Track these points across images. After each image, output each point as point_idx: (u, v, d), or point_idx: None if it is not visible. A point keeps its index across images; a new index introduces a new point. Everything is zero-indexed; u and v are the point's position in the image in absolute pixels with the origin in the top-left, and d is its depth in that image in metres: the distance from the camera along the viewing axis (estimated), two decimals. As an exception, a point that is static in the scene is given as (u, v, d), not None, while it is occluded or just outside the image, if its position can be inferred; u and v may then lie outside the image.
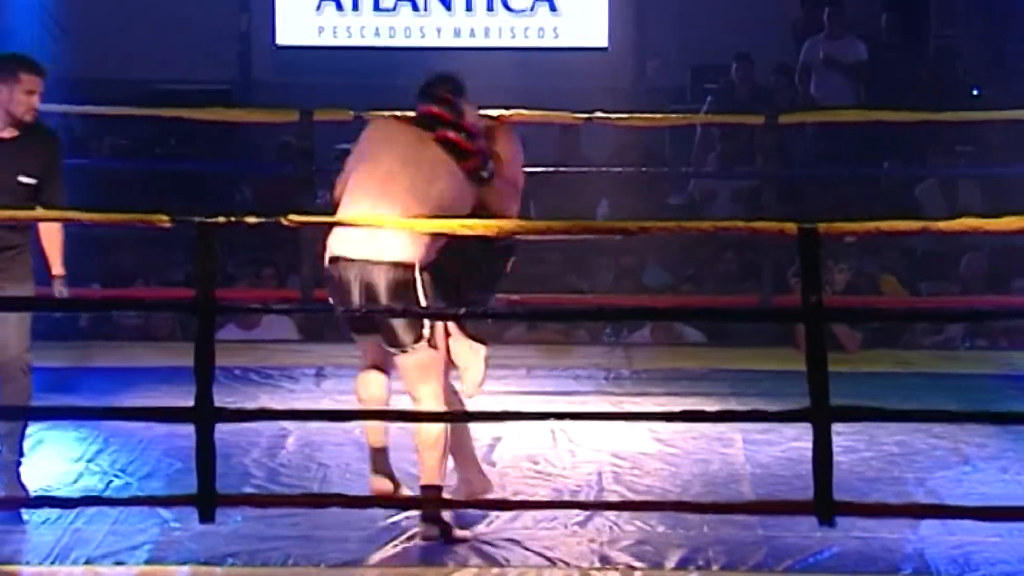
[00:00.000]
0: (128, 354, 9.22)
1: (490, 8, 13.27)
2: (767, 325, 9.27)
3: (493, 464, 6.65)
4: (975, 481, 6.60)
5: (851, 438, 6.96)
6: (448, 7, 13.30)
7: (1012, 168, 10.48)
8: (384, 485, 5.83)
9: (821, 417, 4.96)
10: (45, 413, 6.58)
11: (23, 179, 6.10)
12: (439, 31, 13.19)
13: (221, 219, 5.21)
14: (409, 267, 5.60)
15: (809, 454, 5.00)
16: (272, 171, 11.28)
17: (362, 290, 5.60)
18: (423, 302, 5.59)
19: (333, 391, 7.82)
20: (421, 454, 5.73)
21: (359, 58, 12.94)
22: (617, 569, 5.51)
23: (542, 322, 9.55)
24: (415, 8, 13.31)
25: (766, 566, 5.52)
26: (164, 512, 5.87)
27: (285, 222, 5.49)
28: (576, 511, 6.03)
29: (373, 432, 5.85)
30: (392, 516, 5.90)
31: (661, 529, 5.85)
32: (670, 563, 5.55)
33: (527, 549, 5.67)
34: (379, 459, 5.87)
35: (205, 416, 5.08)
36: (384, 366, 5.85)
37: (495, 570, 5.52)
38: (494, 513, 5.98)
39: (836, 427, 4.99)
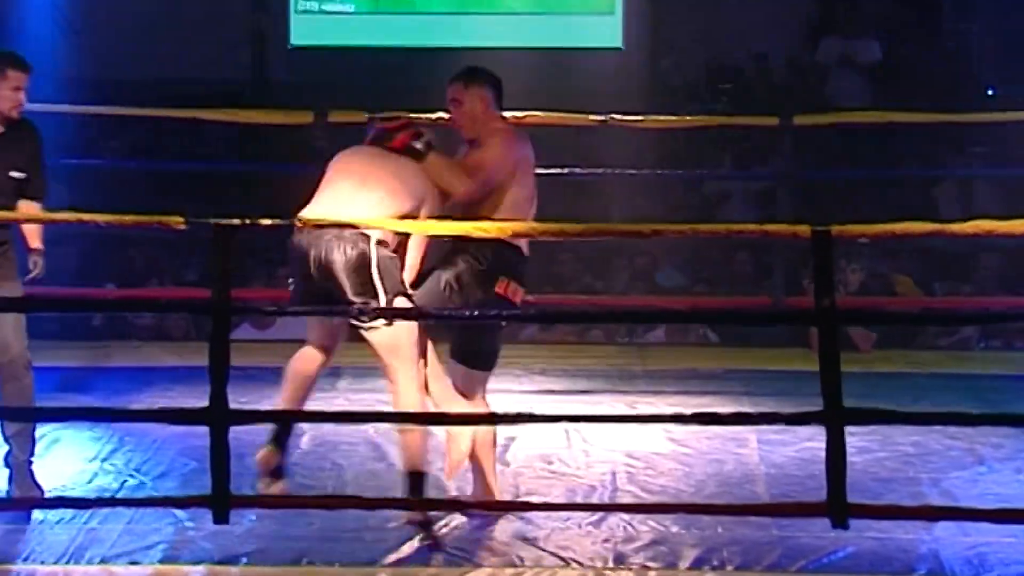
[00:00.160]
0: (143, 354, 9.24)
1: (504, 8, 13.27)
2: (782, 325, 9.26)
3: (507, 464, 6.66)
4: (990, 482, 6.59)
5: (865, 438, 6.96)
6: (463, 8, 13.30)
7: (1027, 169, 10.49)
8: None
9: (835, 419, 4.96)
10: (60, 413, 6.60)
11: (13, 174, 6.14)
12: (454, 32, 13.19)
13: (236, 221, 5.22)
14: (366, 239, 5.62)
15: (823, 454, 4.99)
16: (287, 172, 11.29)
17: (318, 261, 5.62)
18: (376, 279, 5.60)
19: (347, 391, 7.83)
20: (400, 435, 5.74)
21: (373, 59, 12.94)
22: (631, 569, 5.51)
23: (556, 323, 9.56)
24: (430, 9, 13.31)
25: (780, 566, 5.52)
26: (178, 512, 5.88)
27: (300, 224, 5.51)
28: (590, 511, 6.03)
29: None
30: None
31: (675, 529, 5.84)
32: (684, 563, 5.54)
33: (541, 549, 5.67)
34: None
35: (220, 417, 5.09)
36: (327, 346, 5.86)
37: (509, 570, 5.52)
38: (509, 513, 5.99)
39: (850, 427, 4.99)
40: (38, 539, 5.66)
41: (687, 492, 6.45)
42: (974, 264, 10.61)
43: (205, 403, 5.08)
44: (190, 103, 10.29)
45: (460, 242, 5.86)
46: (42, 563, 5.45)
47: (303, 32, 13.34)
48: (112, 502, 6.03)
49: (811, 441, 6.73)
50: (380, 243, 5.65)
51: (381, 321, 5.61)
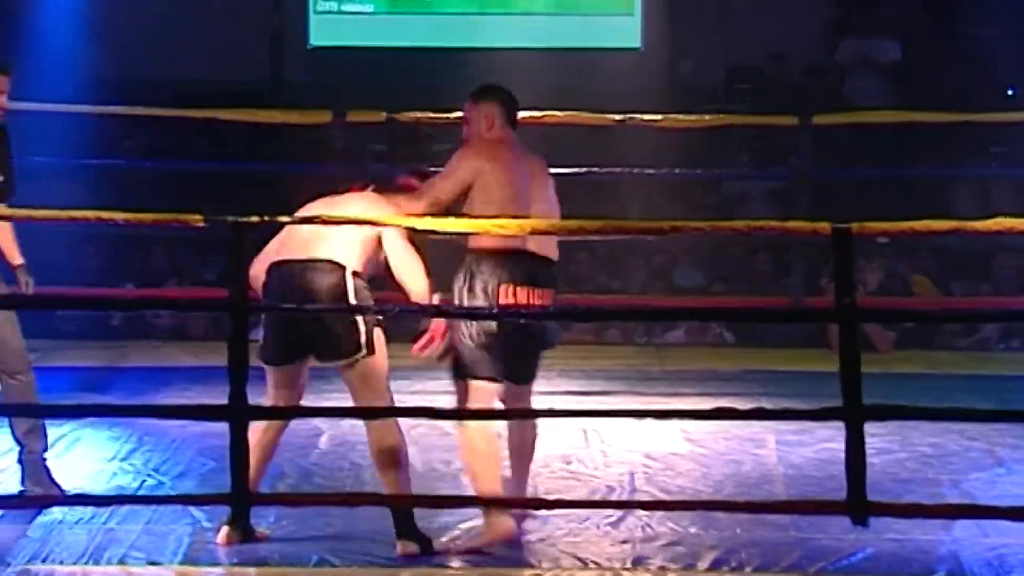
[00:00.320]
0: (162, 353, 9.27)
1: (523, 9, 13.27)
2: (800, 325, 9.25)
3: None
4: (1009, 482, 6.57)
5: (885, 439, 6.95)
6: (482, 8, 13.30)
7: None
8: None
9: (854, 417, 4.95)
10: (80, 412, 6.62)
11: None
12: (473, 32, 13.19)
13: (254, 219, 5.22)
14: (341, 268, 5.57)
15: (842, 455, 4.98)
16: (306, 172, 11.30)
17: (303, 295, 5.54)
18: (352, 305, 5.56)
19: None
20: (381, 473, 5.65)
21: (392, 59, 12.95)
22: (649, 570, 5.50)
23: (574, 322, 9.54)
24: (449, 9, 13.32)
25: (799, 567, 5.50)
26: (197, 511, 5.88)
27: (318, 222, 5.51)
28: (608, 511, 6.03)
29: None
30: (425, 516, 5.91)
31: (694, 530, 5.84)
32: (703, 564, 5.53)
33: (559, 549, 5.66)
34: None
35: (239, 415, 5.09)
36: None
37: (527, 571, 5.52)
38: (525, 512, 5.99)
39: (869, 428, 4.98)
40: (57, 539, 5.66)
41: (705, 492, 6.44)
42: (991, 264, 10.58)
43: (224, 402, 5.07)
44: (209, 103, 10.31)
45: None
46: (61, 563, 5.45)
47: (322, 32, 13.35)
48: (131, 501, 6.04)
49: (830, 442, 6.73)
50: (355, 274, 5.62)
51: (362, 352, 5.58)
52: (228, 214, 5.15)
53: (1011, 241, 10.05)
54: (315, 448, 6.91)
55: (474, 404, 5.75)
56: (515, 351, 5.85)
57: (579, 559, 5.58)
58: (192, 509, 5.89)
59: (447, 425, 6.79)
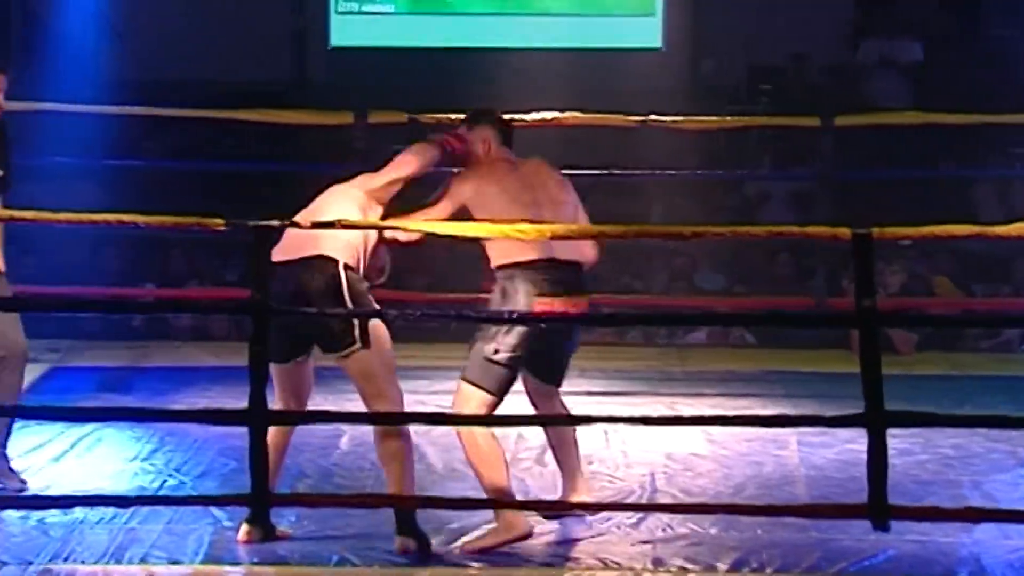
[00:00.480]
0: (183, 353, 9.28)
1: (544, 9, 13.27)
2: (821, 328, 9.24)
3: (545, 465, 6.65)
4: (1032, 485, 6.56)
5: (906, 441, 6.93)
6: (503, 9, 13.31)
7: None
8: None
9: (876, 422, 4.94)
10: (101, 413, 6.64)
11: None
12: (494, 33, 13.19)
13: (275, 222, 5.23)
14: (334, 262, 5.59)
15: (864, 456, 4.97)
16: (327, 173, 11.31)
17: (297, 294, 5.55)
18: (348, 301, 5.56)
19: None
20: (384, 467, 5.66)
21: (413, 59, 12.96)
22: (670, 571, 5.49)
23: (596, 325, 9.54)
24: (470, 9, 13.32)
25: (820, 569, 5.49)
26: (217, 512, 5.89)
27: (339, 225, 5.51)
28: (629, 512, 6.02)
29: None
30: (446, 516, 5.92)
31: (714, 531, 5.83)
32: (723, 565, 5.53)
33: (580, 550, 5.67)
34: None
35: (259, 417, 5.10)
36: (297, 405, 5.80)
37: (547, 571, 5.52)
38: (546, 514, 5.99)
39: (891, 430, 4.97)
40: (78, 538, 5.68)
41: (726, 494, 6.44)
42: (1013, 266, 10.56)
43: (244, 404, 5.08)
44: (230, 104, 10.33)
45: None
46: (82, 562, 5.46)
47: (343, 33, 13.37)
48: (152, 501, 6.05)
49: (851, 443, 6.71)
50: (347, 267, 5.62)
51: (357, 345, 5.58)
52: (249, 215, 5.16)
53: (1031, 243, 10.03)
54: (336, 448, 6.91)
55: (465, 409, 5.75)
56: (545, 353, 5.86)
57: (599, 559, 5.58)
58: (213, 509, 5.90)
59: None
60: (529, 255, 5.76)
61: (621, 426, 7.11)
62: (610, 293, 9.84)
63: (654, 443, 7.04)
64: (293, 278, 5.56)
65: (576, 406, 6.56)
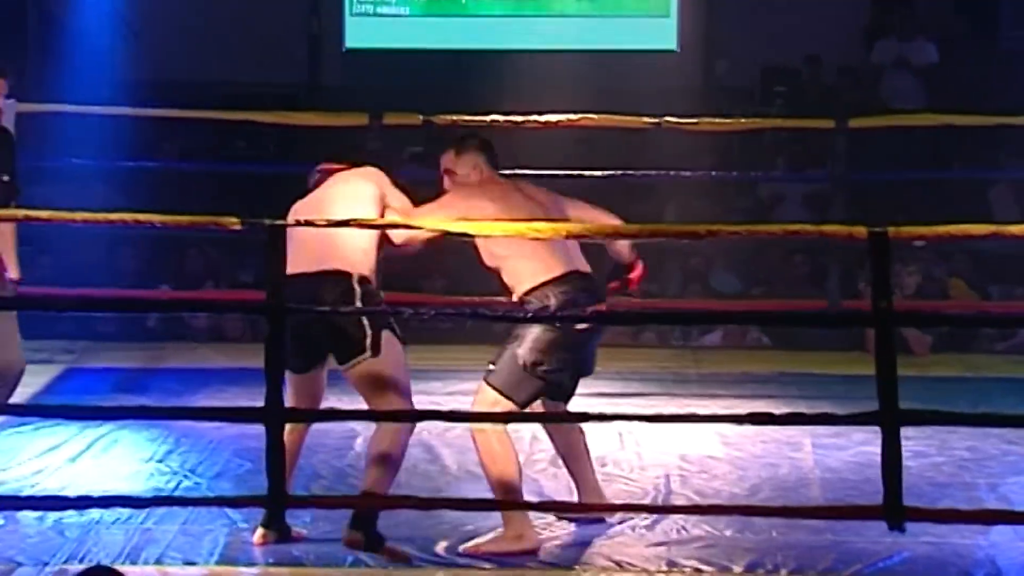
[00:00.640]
0: (199, 354, 9.29)
1: (559, 11, 13.26)
2: (837, 329, 9.22)
3: (560, 467, 6.62)
4: (1047, 487, 6.55)
5: (922, 443, 6.92)
6: (518, 11, 13.30)
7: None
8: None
9: (891, 421, 4.94)
10: (117, 413, 6.64)
11: (3, 177, 6.20)
12: (508, 35, 13.19)
13: (291, 221, 5.23)
14: (348, 276, 5.56)
15: (879, 458, 4.97)
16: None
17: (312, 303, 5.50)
18: (362, 315, 5.52)
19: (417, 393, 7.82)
20: (369, 465, 5.62)
21: (428, 61, 12.96)
22: (684, 573, 5.49)
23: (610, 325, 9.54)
24: (485, 12, 13.32)
25: (835, 571, 5.49)
26: (233, 512, 5.90)
27: (354, 225, 5.52)
28: (643, 514, 6.02)
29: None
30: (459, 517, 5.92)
31: (729, 533, 5.83)
32: (738, 567, 5.52)
33: (594, 551, 5.67)
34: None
35: (274, 416, 5.11)
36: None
37: (562, 572, 5.52)
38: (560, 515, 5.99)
39: (906, 431, 4.97)
40: (94, 539, 5.69)
41: (741, 496, 6.43)
42: (1028, 267, 10.55)
43: (260, 403, 5.09)
44: (246, 106, 10.34)
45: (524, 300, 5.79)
46: (98, 563, 5.47)
47: (358, 35, 13.36)
48: (168, 502, 6.06)
49: (866, 445, 6.70)
50: (363, 279, 5.60)
51: (367, 354, 5.56)
52: (265, 215, 5.17)
53: (1047, 244, 10.01)
54: (350, 450, 6.92)
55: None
56: (575, 372, 5.87)
57: (614, 560, 5.58)
58: (228, 510, 5.91)
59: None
60: (556, 271, 5.74)
61: (636, 428, 7.12)
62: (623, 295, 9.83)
63: (669, 445, 7.04)
64: (308, 292, 5.52)
65: (590, 407, 6.56)
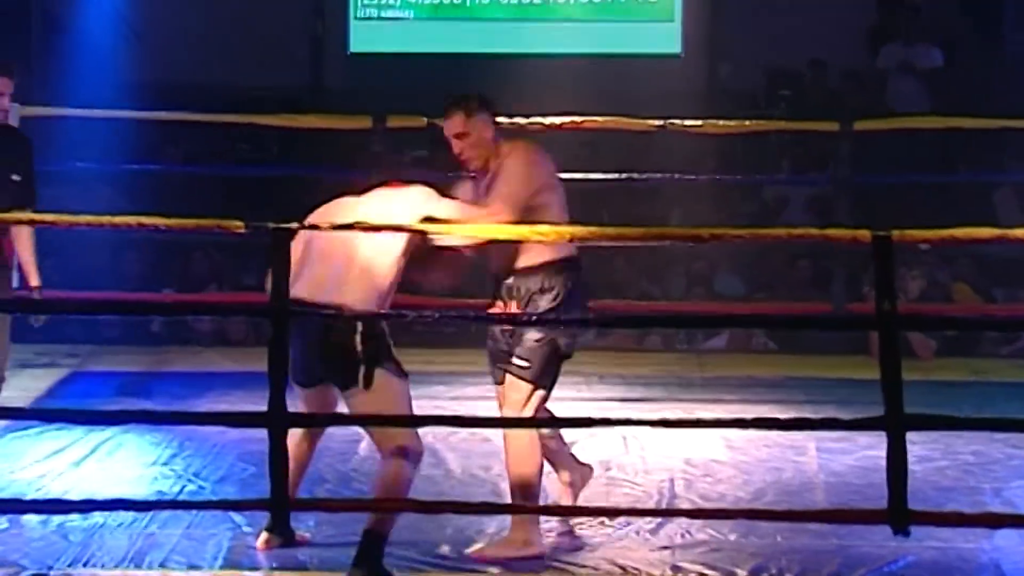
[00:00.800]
0: (203, 358, 9.29)
1: (564, 15, 13.26)
2: (841, 332, 9.22)
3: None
4: (1052, 491, 6.54)
5: (926, 447, 6.92)
6: (522, 15, 13.30)
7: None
8: None
9: (896, 425, 4.93)
10: (120, 417, 6.64)
11: (14, 177, 6.19)
12: (513, 39, 13.18)
13: (295, 225, 5.23)
14: (349, 315, 5.45)
15: (883, 462, 4.96)
16: (346, 177, 11.31)
17: (313, 343, 5.46)
18: (358, 347, 5.44)
19: (423, 397, 7.81)
20: (377, 496, 5.53)
21: (432, 65, 12.95)
22: (689, 577, 5.49)
23: (614, 328, 9.54)
24: (489, 16, 13.31)
25: (839, 575, 5.48)
26: (237, 516, 5.90)
27: (359, 228, 5.51)
28: (648, 518, 6.01)
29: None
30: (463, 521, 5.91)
31: (733, 537, 5.82)
32: (743, 571, 5.52)
33: (599, 555, 5.66)
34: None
35: (278, 421, 5.10)
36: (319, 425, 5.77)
37: (567, 577, 5.52)
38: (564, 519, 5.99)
39: (911, 436, 4.96)
40: (98, 543, 5.69)
41: (745, 500, 6.43)
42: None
43: (264, 408, 5.08)
44: (250, 109, 10.34)
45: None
46: (102, 567, 5.48)
47: (362, 38, 13.35)
48: (172, 506, 6.06)
49: (871, 449, 6.70)
50: (367, 317, 5.48)
51: (358, 387, 5.47)
52: (269, 219, 5.16)
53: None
54: (354, 453, 6.92)
55: (530, 411, 5.72)
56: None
57: (618, 565, 5.57)
58: (232, 514, 5.91)
59: (486, 431, 6.81)
60: (564, 252, 5.72)
61: (640, 432, 7.11)
62: (628, 299, 9.84)
63: (673, 449, 7.03)
64: (312, 322, 5.46)
65: (595, 412, 6.58)
